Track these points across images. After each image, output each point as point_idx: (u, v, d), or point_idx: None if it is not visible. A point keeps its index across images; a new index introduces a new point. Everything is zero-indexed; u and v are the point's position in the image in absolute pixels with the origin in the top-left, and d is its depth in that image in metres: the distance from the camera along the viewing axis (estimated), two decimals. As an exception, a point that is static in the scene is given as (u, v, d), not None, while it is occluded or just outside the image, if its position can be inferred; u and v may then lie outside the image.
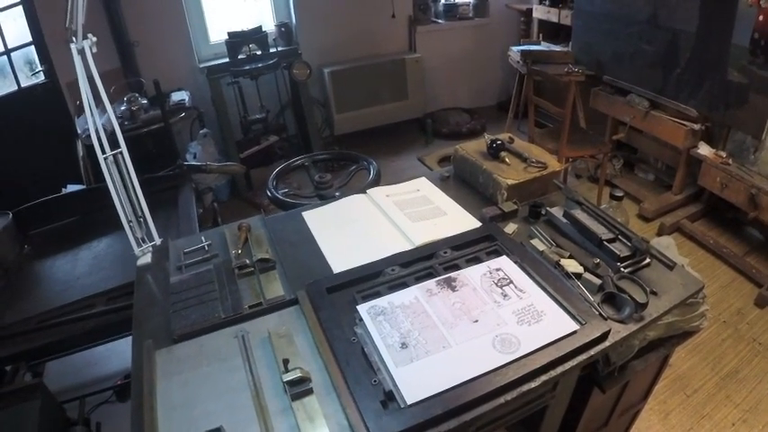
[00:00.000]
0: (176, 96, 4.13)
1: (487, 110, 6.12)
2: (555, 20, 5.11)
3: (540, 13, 5.35)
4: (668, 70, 3.86)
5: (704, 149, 3.71)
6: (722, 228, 3.98)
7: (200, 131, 4.21)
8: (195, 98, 4.25)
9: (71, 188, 3.25)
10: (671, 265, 1.49)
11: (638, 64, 4.09)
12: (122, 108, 3.67)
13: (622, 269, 1.52)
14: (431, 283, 1.47)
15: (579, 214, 1.70)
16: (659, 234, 3.88)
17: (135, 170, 1.64)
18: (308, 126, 4.79)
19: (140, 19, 4.17)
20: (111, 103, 3.56)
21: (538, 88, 4.07)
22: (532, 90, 4.02)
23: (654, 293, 1.45)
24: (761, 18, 3.18)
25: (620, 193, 1.86)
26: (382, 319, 1.34)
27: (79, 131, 3.56)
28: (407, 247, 1.67)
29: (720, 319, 3.19)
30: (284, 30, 4.83)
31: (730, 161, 3.54)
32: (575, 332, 1.30)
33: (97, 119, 1.53)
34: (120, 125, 3.34)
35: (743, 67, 3.33)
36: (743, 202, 3.41)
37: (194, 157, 4.01)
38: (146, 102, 3.76)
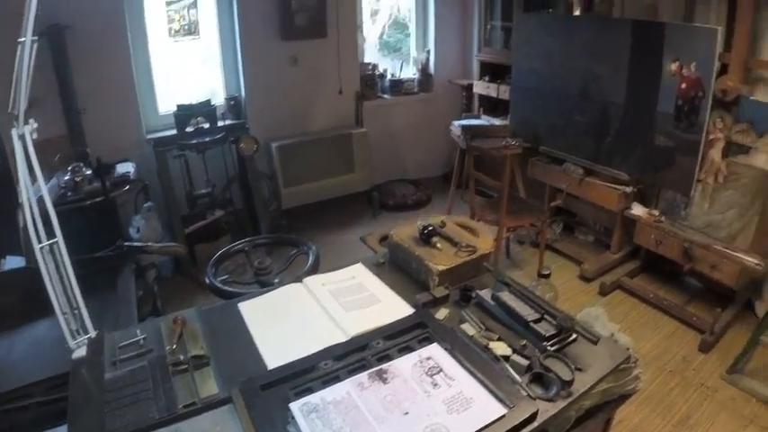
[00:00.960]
0: (121, 168, 4.05)
1: (433, 181, 6.27)
2: (494, 95, 5.36)
3: (480, 88, 5.60)
4: (600, 139, 4.11)
5: (638, 210, 3.93)
6: (661, 281, 4.14)
7: (145, 205, 4.13)
8: (141, 170, 4.19)
9: (10, 260, 3.14)
10: (594, 341, 1.54)
11: (572, 134, 4.32)
12: (66, 178, 3.56)
13: (549, 348, 1.57)
14: (363, 376, 1.48)
15: (506, 296, 1.76)
16: (601, 293, 4.02)
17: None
18: (254, 200, 4.78)
19: (90, 85, 4.13)
20: (56, 171, 3.50)
21: (479, 161, 4.20)
22: (473, 164, 4.15)
23: (579, 369, 1.50)
24: (683, 86, 3.47)
25: (546, 271, 1.93)
26: (315, 416, 1.34)
27: (21, 200, 3.45)
28: (342, 338, 1.68)
29: (666, 369, 3.26)
30: (233, 103, 4.90)
31: (663, 219, 3.77)
32: (503, 416, 1.32)
33: (34, 203, 1.53)
34: (63, 196, 3.31)
35: (669, 132, 3.62)
36: (678, 255, 3.61)
37: (138, 232, 3.93)
38: (90, 173, 3.68)
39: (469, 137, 4.53)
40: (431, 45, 6.10)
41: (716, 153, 3.51)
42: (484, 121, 5.30)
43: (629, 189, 3.92)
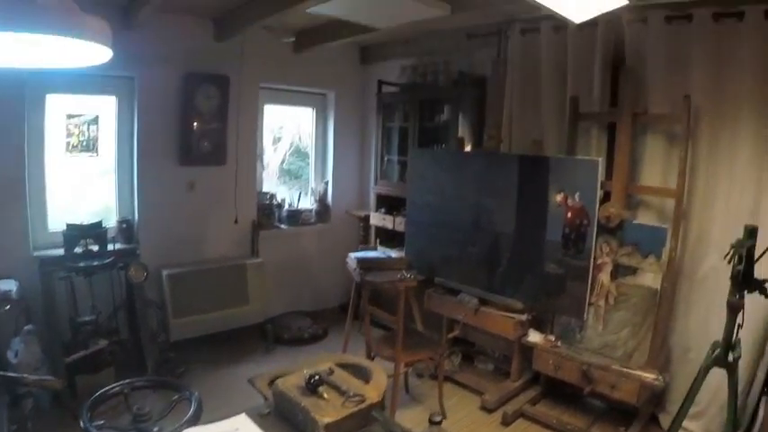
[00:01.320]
0: (3, 286, 3.75)
1: (330, 312, 6.19)
2: (390, 227, 5.51)
3: (376, 220, 5.73)
4: (493, 269, 4.29)
5: (534, 336, 4.02)
6: (564, 404, 4.16)
7: (25, 327, 3.78)
8: (24, 289, 3.87)
9: None
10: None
11: (466, 265, 4.47)
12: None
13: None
14: None
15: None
16: (504, 423, 3.97)
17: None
18: (141, 330, 4.47)
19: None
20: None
21: (375, 293, 4.19)
22: (368, 298, 4.12)
23: None
24: (569, 215, 3.76)
25: (438, 418, 1.87)
26: None
27: None
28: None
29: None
30: (125, 227, 4.73)
31: (559, 343, 3.88)
32: None
33: None
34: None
35: (558, 260, 3.85)
36: (577, 379, 3.69)
37: (16, 356, 3.55)
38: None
39: (364, 271, 4.53)
40: (329, 176, 6.29)
41: (605, 276, 3.75)
42: (380, 253, 5.37)
43: (524, 317, 4.04)
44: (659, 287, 3.56)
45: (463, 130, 4.88)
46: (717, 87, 3.46)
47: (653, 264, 3.55)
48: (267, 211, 5.81)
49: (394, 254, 5.24)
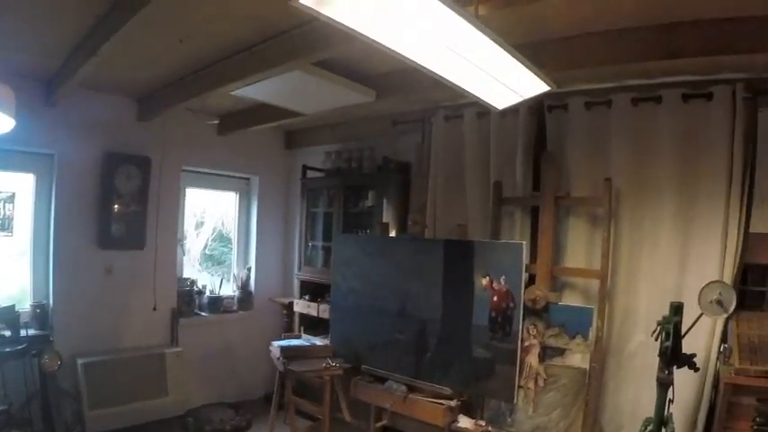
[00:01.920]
0: None
1: (254, 403, 5.81)
2: (315, 314, 5.34)
3: (300, 307, 5.56)
4: (420, 355, 4.17)
5: (464, 422, 3.87)
6: None
7: None
8: None
9: None
10: None
11: (393, 351, 4.34)
12: None
13: None
14: None
15: None
16: None
17: None
18: (55, 422, 4.07)
19: None
20: None
21: (300, 383, 3.97)
22: (291, 388, 3.91)
23: None
24: (495, 298, 3.74)
25: None
26: None
27: None
28: None
29: None
30: (39, 311, 4.37)
31: (490, 428, 3.77)
32: None
33: None
34: None
35: (486, 344, 3.78)
36: None
37: None
38: None
39: (287, 360, 4.32)
40: (252, 262, 6.10)
41: (533, 358, 3.68)
42: (304, 341, 5.13)
43: (453, 402, 3.90)
44: (588, 367, 3.52)
45: (388, 216, 4.86)
46: (637, 170, 3.61)
47: (580, 344, 3.53)
48: (187, 297, 5.55)
49: (319, 341, 5.04)
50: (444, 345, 4.01)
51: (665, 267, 3.49)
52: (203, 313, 5.67)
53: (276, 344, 4.92)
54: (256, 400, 5.94)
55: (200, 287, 5.78)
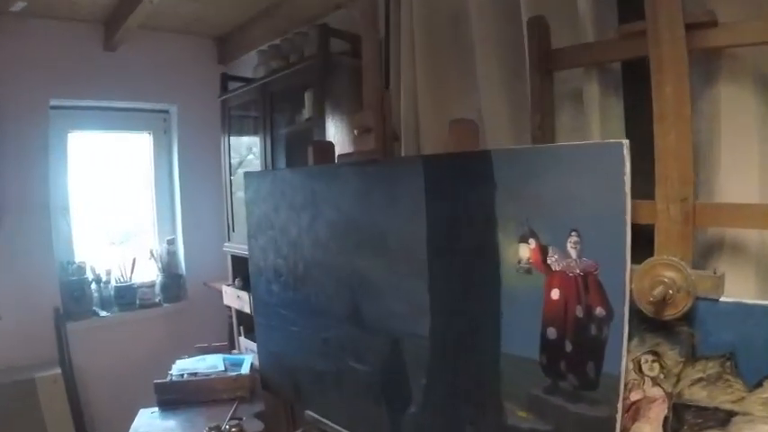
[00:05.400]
0: None
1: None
2: (248, 309, 3.15)
3: (229, 297, 3.45)
4: (397, 408, 1.87)
5: None
6: None
7: None
8: None
9: None
10: None
11: (350, 392, 2.02)
12: None
13: None
14: None
15: None
16: None
17: None
18: None
19: None
20: None
21: None
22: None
23: None
24: (555, 293, 1.41)
25: None
26: None
27: None
28: None
29: None
30: None
31: None
32: None
33: None
34: None
35: (536, 398, 1.48)
36: None
37: None
38: None
39: (162, 405, 2.21)
40: (178, 231, 4.08)
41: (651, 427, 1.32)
42: (218, 359, 2.92)
43: None
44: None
45: (337, 130, 2.57)
46: None
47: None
48: (77, 291, 3.54)
49: (250, 358, 2.89)
50: (441, 393, 1.74)
51: None
52: (104, 312, 3.66)
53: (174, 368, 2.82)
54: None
55: (99, 273, 3.74)
